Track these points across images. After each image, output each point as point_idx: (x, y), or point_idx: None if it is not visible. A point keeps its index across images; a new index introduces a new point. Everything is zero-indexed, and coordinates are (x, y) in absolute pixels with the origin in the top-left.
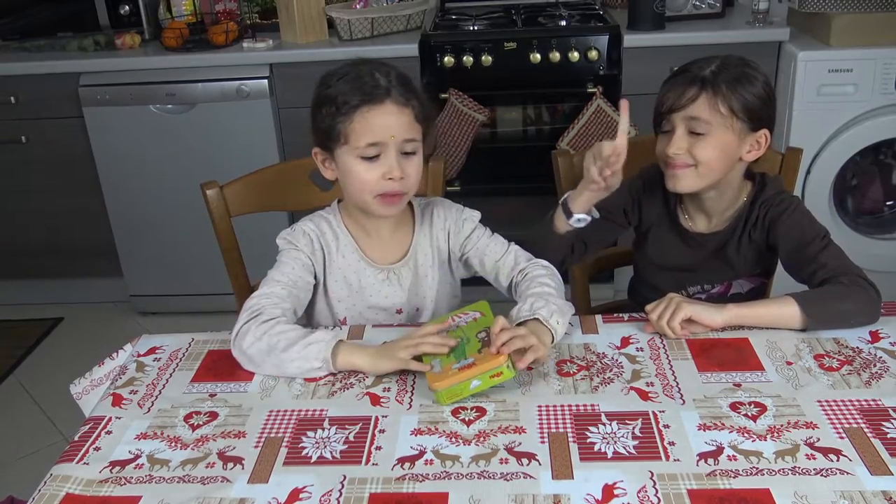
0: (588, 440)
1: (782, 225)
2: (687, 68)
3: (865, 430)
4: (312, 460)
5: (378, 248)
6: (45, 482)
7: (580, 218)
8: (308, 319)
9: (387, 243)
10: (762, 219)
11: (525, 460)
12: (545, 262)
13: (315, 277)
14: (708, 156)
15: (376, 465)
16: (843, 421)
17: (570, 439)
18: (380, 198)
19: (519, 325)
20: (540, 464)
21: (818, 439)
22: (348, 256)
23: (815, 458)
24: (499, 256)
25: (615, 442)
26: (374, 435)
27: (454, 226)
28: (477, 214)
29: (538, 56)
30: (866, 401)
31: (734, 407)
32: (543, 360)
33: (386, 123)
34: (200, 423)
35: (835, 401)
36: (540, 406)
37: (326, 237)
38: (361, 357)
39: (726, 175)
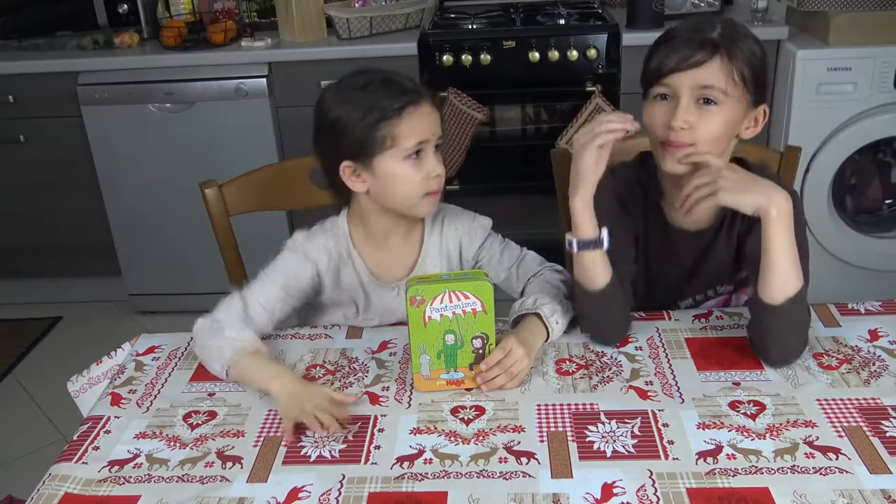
0: (587, 439)
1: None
2: (689, 28)
3: (864, 428)
4: (311, 459)
5: (385, 261)
6: (44, 482)
7: (603, 237)
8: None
9: (394, 254)
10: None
11: (524, 459)
12: (559, 267)
13: (318, 293)
14: (715, 132)
15: (375, 464)
16: (843, 419)
17: (570, 438)
18: (428, 196)
19: (519, 318)
20: (539, 463)
21: (817, 438)
22: (359, 276)
23: (814, 457)
24: (511, 263)
25: (614, 441)
26: (373, 434)
27: (466, 236)
28: (489, 221)
29: (537, 55)
30: (865, 399)
31: (733, 406)
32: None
33: (428, 122)
34: (199, 422)
35: (834, 399)
36: (539, 405)
37: (341, 254)
38: (274, 385)
39: (721, 156)
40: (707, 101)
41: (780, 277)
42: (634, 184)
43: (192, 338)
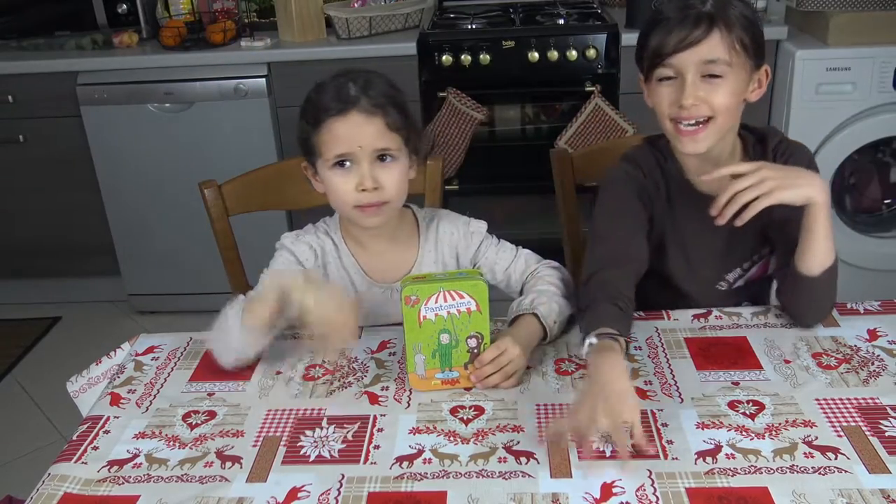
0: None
1: None
2: (680, 4)
3: (863, 428)
4: (311, 459)
5: (377, 263)
6: (44, 481)
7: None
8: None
9: (386, 258)
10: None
11: (524, 459)
12: (555, 263)
13: None
14: (726, 103)
15: (375, 464)
16: (842, 419)
17: (569, 438)
18: (358, 209)
19: (515, 318)
20: (538, 463)
21: (816, 437)
22: (349, 274)
23: (813, 457)
24: (508, 263)
25: (614, 440)
26: (372, 434)
27: (462, 241)
28: (483, 225)
29: (536, 55)
30: (864, 399)
31: (732, 405)
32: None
33: (351, 134)
34: (199, 422)
35: (833, 399)
36: (538, 405)
37: (328, 253)
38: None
39: (734, 123)
40: (713, 75)
41: (821, 254)
42: (653, 166)
43: (190, 338)
